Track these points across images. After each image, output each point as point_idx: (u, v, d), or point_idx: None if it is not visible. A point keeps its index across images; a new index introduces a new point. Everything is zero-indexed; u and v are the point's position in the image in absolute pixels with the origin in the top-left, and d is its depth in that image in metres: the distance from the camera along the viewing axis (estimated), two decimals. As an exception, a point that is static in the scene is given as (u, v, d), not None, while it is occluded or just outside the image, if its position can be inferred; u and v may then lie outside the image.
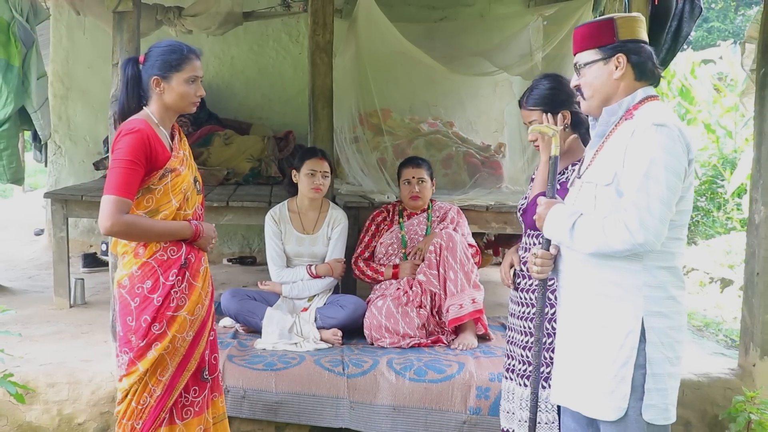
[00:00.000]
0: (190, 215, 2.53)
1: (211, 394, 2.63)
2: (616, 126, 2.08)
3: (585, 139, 2.59)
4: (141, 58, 2.51)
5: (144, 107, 2.50)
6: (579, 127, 2.56)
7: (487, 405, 3.24)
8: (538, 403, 2.51)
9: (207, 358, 2.59)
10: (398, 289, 3.87)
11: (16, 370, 3.25)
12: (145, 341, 2.43)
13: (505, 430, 2.73)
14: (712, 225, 7.81)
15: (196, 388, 2.55)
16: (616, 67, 2.05)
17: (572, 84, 2.18)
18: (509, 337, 2.73)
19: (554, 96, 2.55)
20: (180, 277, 2.46)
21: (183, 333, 2.48)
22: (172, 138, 2.54)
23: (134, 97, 2.48)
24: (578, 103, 2.55)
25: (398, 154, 5.42)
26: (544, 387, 2.52)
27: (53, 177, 6.63)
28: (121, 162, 2.35)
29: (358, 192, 4.98)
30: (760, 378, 3.53)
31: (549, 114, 2.54)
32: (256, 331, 3.79)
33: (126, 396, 2.47)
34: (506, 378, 2.74)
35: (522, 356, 2.63)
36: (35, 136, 6.69)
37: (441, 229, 3.94)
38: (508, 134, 6.18)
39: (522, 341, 2.63)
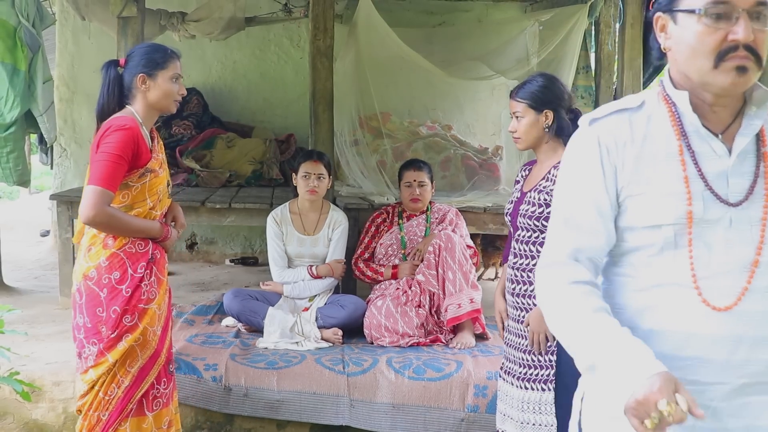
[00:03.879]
0: (158, 216, 2.58)
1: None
2: None
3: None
4: (122, 61, 2.57)
5: (127, 106, 2.53)
6: (561, 132, 2.60)
7: (484, 403, 3.27)
8: (537, 406, 2.49)
9: (170, 351, 2.65)
10: (397, 289, 3.91)
11: (23, 368, 3.27)
12: (116, 332, 2.44)
13: (500, 431, 2.67)
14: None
15: (165, 380, 2.60)
16: None
17: None
18: (507, 339, 2.68)
19: (542, 94, 2.56)
20: (148, 271, 2.50)
21: (153, 326, 2.51)
22: (151, 140, 2.57)
23: (115, 99, 2.53)
24: (566, 108, 2.61)
25: (397, 157, 5.48)
26: (543, 390, 2.49)
27: (59, 179, 6.65)
28: (108, 155, 2.38)
29: (358, 194, 5.02)
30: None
31: (533, 110, 2.54)
32: (258, 330, 3.83)
33: (92, 387, 2.48)
34: (503, 379, 2.69)
35: (521, 359, 2.57)
36: (41, 139, 6.78)
37: (440, 231, 4.00)
38: (506, 137, 6.21)
39: (521, 344, 2.57)
